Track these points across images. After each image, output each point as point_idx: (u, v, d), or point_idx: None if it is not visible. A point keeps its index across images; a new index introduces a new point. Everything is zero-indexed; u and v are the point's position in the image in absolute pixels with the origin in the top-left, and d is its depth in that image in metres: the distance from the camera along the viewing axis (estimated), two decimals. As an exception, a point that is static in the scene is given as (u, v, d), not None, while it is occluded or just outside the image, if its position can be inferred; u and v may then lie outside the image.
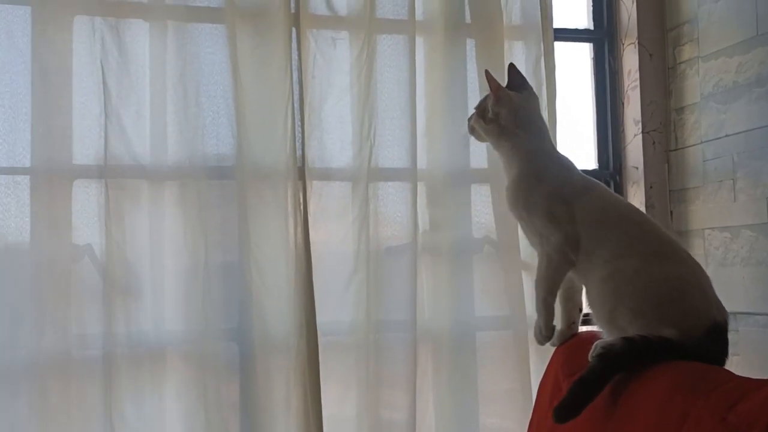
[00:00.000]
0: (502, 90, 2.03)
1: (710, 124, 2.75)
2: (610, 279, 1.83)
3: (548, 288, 1.97)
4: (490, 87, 2.02)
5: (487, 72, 2.04)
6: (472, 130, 2.13)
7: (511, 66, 2.15)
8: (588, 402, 1.70)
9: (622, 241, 1.87)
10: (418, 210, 2.63)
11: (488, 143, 2.15)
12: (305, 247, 2.50)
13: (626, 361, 1.71)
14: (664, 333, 1.73)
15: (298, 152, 2.52)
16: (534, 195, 1.97)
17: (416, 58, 2.64)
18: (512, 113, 2.01)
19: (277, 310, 2.47)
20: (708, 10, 2.77)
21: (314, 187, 2.55)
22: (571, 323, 2.06)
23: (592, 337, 1.98)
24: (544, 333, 2.02)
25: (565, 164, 2.05)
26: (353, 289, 2.55)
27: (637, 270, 1.81)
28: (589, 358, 1.81)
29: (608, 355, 1.72)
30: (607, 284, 1.84)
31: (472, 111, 2.13)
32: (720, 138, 2.70)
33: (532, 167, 1.99)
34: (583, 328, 2.07)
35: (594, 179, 2.06)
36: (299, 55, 2.53)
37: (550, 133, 2.65)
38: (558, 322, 2.05)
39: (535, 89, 2.66)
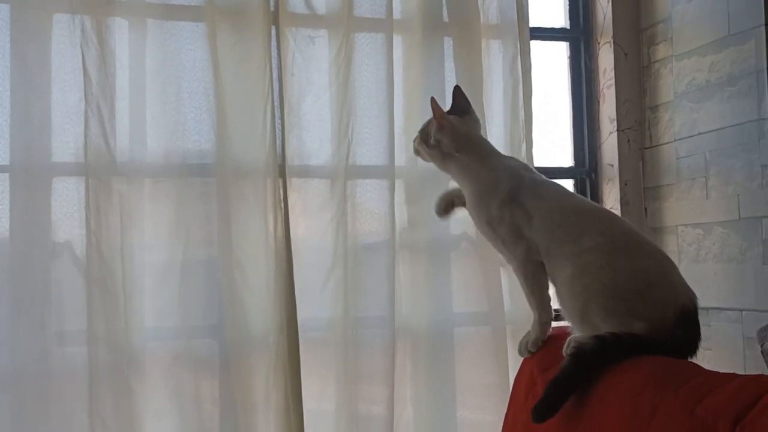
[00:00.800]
0: (445, 118, 2.08)
1: (683, 123, 2.79)
2: (577, 276, 1.86)
3: (539, 304, 2.00)
4: (433, 114, 2.06)
5: (432, 99, 2.07)
6: (416, 152, 2.17)
7: (456, 89, 2.18)
8: (563, 402, 1.73)
9: (583, 237, 1.90)
10: (396, 207, 2.65)
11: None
12: (286, 244, 2.52)
13: (598, 360, 1.74)
14: (635, 327, 1.76)
15: (278, 150, 2.53)
16: (491, 208, 1.99)
17: (394, 56, 2.66)
18: (453, 140, 2.06)
19: (257, 307, 2.48)
20: (682, 10, 2.81)
21: (293, 184, 2.56)
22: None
23: (565, 333, 2.01)
24: (531, 349, 2.05)
25: (514, 168, 2.08)
26: (331, 286, 2.56)
27: (602, 266, 1.83)
28: (564, 354, 1.84)
29: (580, 354, 1.75)
30: (575, 282, 1.86)
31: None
32: (693, 136, 2.75)
33: (481, 183, 2.03)
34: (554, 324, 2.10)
35: (547, 178, 2.09)
36: (278, 53, 2.54)
37: (527, 131, 2.72)
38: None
39: (511, 88, 2.72)
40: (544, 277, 1.97)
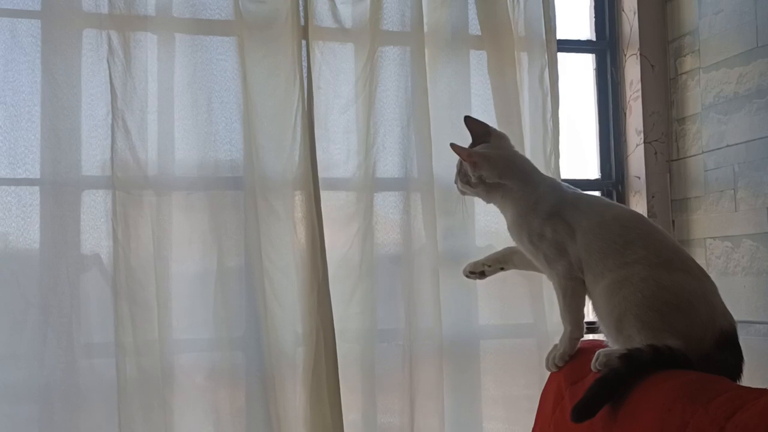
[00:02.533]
0: (475, 155, 2.06)
1: (711, 135, 2.78)
2: (616, 287, 1.85)
3: (573, 320, 1.99)
4: (460, 157, 2.05)
5: (452, 145, 2.06)
6: (462, 192, 2.16)
7: (467, 119, 2.16)
8: (605, 402, 1.72)
9: (626, 249, 1.89)
10: (423, 219, 2.65)
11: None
12: (321, 256, 2.51)
13: (650, 367, 1.72)
14: (671, 343, 1.75)
15: (308, 162, 2.53)
16: (534, 225, 1.99)
17: (420, 69, 2.67)
18: (494, 170, 2.05)
19: (288, 320, 2.49)
20: (709, 22, 2.80)
21: (322, 196, 2.57)
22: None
23: (594, 346, 2.00)
24: (558, 363, 2.04)
25: (554, 184, 2.08)
26: (358, 298, 2.57)
27: (644, 278, 1.82)
28: (593, 368, 1.83)
29: (634, 356, 1.73)
30: (613, 292, 1.85)
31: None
32: (721, 148, 2.73)
33: (524, 203, 2.02)
34: (588, 337, 2.09)
35: (587, 193, 2.09)
36: (308, 66, 2.55)
37: (554, 142, 2.71)
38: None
39: (539, 99, 2.72)
40: (583, 294, 1.97)
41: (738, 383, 1.76)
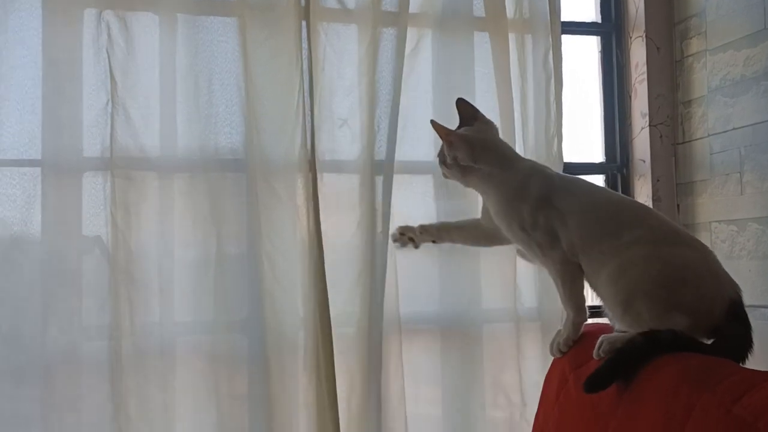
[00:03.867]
0: (452, 134, 2.04)
1: (717, 118, 2.76)
2: (621, 269, 1.83)
3: (575, 305, 1.98)
4: (438, 135, 2.03)
5: (432, 121, 2.04)
6: (444, 176, 2.14)
7: (459, 101, 2.14)
8: (619, 374, 1.71)
9: (623, 230, 1.88)
10: (428, 203, 2.65)
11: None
12: (317, 240, 2.51)
13: (668, 346, 1.72)
14: (679, 322, 1.74)
15: (309, 144, 2.52)
16: (524, 213, 1.97)
17: (423, 51, 2.65)
18: (467, 152, 2.02)
19: (288, 303, 2.48)
20: (716, 3, 2.77)
21: (324, 179, 2.55)
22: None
23: (599, 329, 1.99)
24: (563, 349, 2.03)
25: (538, 169, 2.05)
26: (363, 281, 2.56)
27: (647, 257, 1.81)
28: (595, 355, 1.82)
29: (654, 333, 1.73)
30: (618, 274, 1.84)
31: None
32: (727, 131, 2.71)
33: (508, 190, 1.99)
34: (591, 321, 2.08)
35: (573, 176, 2.07)
36: (309, 48, 2.53)
37: (558, 125, 2.70)
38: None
39: (542, 82, 2.70)
40: (581, 278, 1.95)
41: (748, 356, 1.75)
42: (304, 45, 2.52)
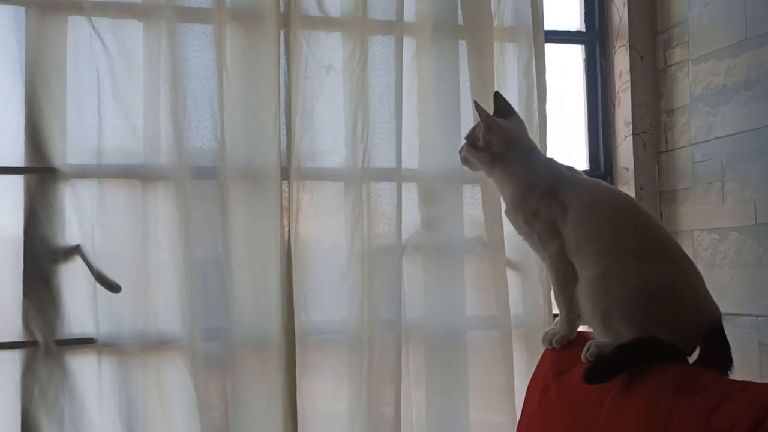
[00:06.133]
0: (492, 118, 2.08)
1: (699, 127, 2.77)
2: (603, 278, 1.85)
3: (567, 303, 2.00)
4: (480, 116, 2.07)
5: (475, 102, 2.10)
6: (464, 161, 2.18)
7: (497, 94, 2.21)
8: (620, 370, 1.73)
9: (614, 236, 1.89)
10: (412, 210, 2.65)
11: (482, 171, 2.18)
12: (288, 247, 2.51)
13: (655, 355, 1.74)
14: (660, 335, 1.76)
15: (286, 152, 2.52)
16: (531, 203, 2.00)
17: (409, 59, 2.66)
18: (503, 139, 2.07)
19: (260, 309, 2.48)
20: (698, 13, 2.79)
21: (307, 186, 2.55)
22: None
23: (581, 337, 2.00)
24: (556, 346, 2.05)
25: (552, 163, 2.10)
26: (346, 288, 2.56)
27: (630, 270, 1.82)
28: (583, 358, 1.83)
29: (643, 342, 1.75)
30: (599, 284, 1.85)
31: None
32: (709, 140, 2.73)
33: (523, 180, 2.03)
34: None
35: (587, 176, 2.10)
36: (287, 57, 2.53)
37: (541, 134, 2.72)
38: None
39: (525, 91, 2.72)
40: (575, 275, 1.97)
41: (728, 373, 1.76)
42: (283, 53, 2.52)
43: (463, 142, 2.17)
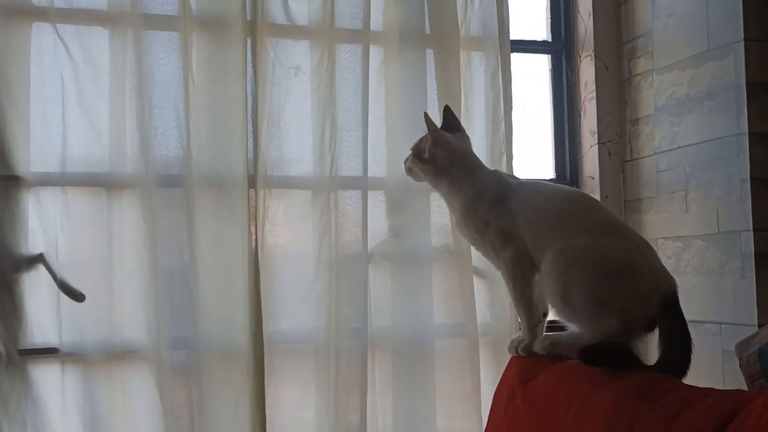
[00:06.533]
0: (439, 132, 2.13)
1: (663, 136, 2.81)
2: (559, 254, 1.89)
3: (526, 308, 2.03)
4: (428, 128, 2.10)
5: (425, 114, 2.13)
6: (409, 171, 2.23)
7: (446, 108, 2.27)
8: (615, 362, 1.77)
9: (570, 223, 1.93)
10: (379, 218, 2.65)
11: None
12: (255, 255, 2.50)
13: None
14: (612, 314, 1.79)
15: (253, 160, 2.51)
16: (480, 213, 2.04)
17: (376, 67, 2.66)
18: (448, 153, 2.12)
19: (227, 317, 2.46)
20: (662, 24, 2.83)
21: (274, 194, 2.54)
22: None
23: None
24: (522, 354, 2.06)
25: (496, 174, 2.15)
26: (314, 296, 2.55)
27: (587, 246, 1.87)
28: (539, 347, 1.90)
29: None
30: (556, 260, 1.89)
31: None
32: (673, 149, 2.76)
33: (470, 193, 2.07)
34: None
35: (534, 180, 2.14)
36: (254, 64, 2.52)
37: (507, 143, 2.73)
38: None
39: (492, 100, 2.73)
40: (532, 280, 2.00)
41: (691, 351, 1.79)
42: (249, 60, 2.52)
43: (410, 152, 2.19)
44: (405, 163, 2.23)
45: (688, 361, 1.78)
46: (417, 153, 2.17)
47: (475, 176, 2.11)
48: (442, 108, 2.29)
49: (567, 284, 1.87)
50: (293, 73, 2.58)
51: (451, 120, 2.23)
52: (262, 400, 2.48)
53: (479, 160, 2.20)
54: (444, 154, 2.12)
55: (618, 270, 1.84)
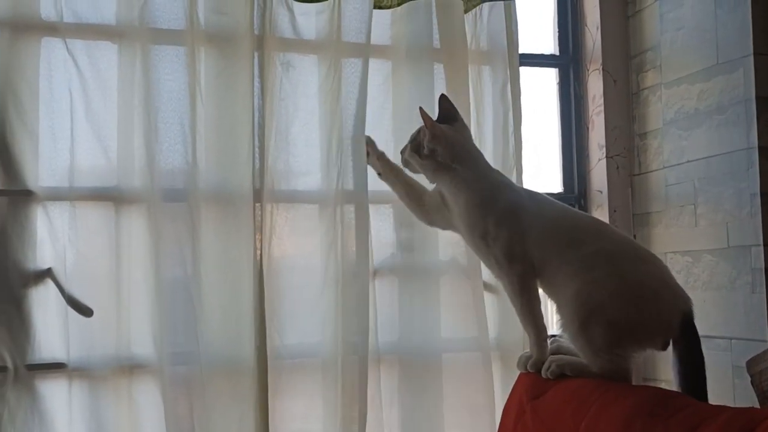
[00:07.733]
0: (437, 126, 2.07)
1: (672, 150, 2.80)
2: (582, 291, 1.87)
3: (535, 325, 2.01)
4: (424, 123, 2.05)
5: (420, 108, 2.07)
6: (406, 163, 2.17)
7: (443, 97, 2.19)
8: None
9: (581, 244, 1.92)
10: (387, 232, 2.65)
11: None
12: (261, 269, 2.49)
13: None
14: (629, 350, 1.78)
15: (256, 175, 2.50)
16: (488, 223, 2.00)
17: (384, 81, 2.66)
18: (448, 149, 2.06)
19: (233, 332, 2.45)
20: (670, 37, 2.82)
21: (280, 208, 2.54)
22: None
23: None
24: (531, 369, 2.05)
25: (507, 182, 2.10)
26: (320, 310, 2.54)
27: (608, 274, 1.85)
28: (543, 375, 1.86)
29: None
30: (579, 297, 1.87)
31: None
32: (682, 163, 2.75)
33: (477, 196, 2.02)
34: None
35: (536, 191, 2.11)
36: (261, 79, 2.52)
37: (517, 157, 2.72)
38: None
39: (501, 114, 2.72)
40: (537, 294, 1.98)
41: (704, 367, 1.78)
42: (257, 75, 2.51)
43: (407, 144, 2.14)
44: (402, 154, 2.17)
45: (704, 380, 1.78)
46: (415, 147, 2.12)
47: (483, 178, 2.05)
48: (438, 97, 2.22)
49: (587, 318, 1.84)
50: (285, 69, 2.57)
51: (448, 111, 2.16)
52: (266, 414, 2.47)
53: (479, 152, 2.14)
54: (444, 150, 2.06)
55: (641, 300, 1.83)
